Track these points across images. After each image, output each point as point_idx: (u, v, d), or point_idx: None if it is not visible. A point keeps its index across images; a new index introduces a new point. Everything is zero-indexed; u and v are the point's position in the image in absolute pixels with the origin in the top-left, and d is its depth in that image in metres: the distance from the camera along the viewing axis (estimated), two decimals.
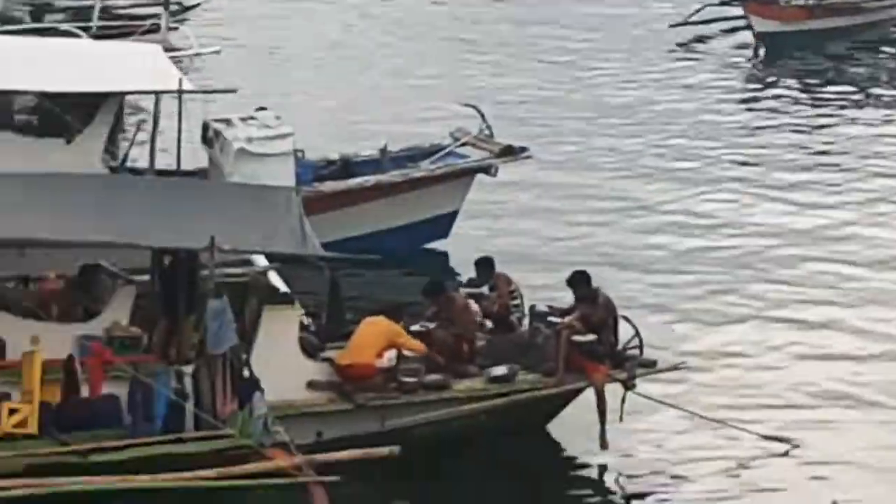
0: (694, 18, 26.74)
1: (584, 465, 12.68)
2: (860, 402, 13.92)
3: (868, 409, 13.76)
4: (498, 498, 12.10)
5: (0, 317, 12.14)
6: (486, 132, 17.39)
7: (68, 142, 16.85)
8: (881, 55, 26.33)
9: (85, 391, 11.78)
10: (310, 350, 12.69)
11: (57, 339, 11.92)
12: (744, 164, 20.96)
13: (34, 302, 12.82)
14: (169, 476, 11.37)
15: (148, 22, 25.05)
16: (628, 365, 12.62)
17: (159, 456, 11.47)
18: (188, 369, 11.90)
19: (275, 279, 13.43)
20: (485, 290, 13.78)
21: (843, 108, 23.06)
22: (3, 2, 23.70)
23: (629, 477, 12.29)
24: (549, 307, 13.26)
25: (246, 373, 11.78)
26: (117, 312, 12.38)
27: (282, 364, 12.32)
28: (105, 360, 11.83)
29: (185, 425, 11.72)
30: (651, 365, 13.13)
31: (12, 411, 11.51)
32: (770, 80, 24.72)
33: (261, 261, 13.41)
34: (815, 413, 13.55)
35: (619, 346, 12.88)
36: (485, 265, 14.09)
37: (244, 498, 11.78)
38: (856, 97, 23.89)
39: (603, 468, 12.46)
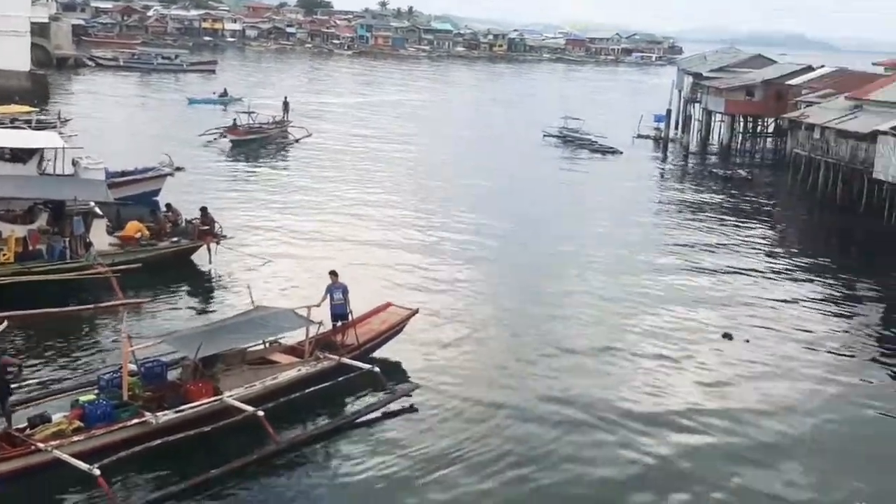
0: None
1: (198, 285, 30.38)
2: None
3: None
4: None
5: None
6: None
7: (24, 164, 32.33)
8: None
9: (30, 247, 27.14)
10: (109, 232, 29.07)
11: (19, 231, 27.13)
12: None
13: (10, 217, 28.00)
14: (65, 275, 26.91)
15: (55, 123, 43.05)
16: (219, 236, 30.20)
17: (61, 270, 26.63)
18: (67, 240, 27.83)
19: (97, 209, 29.32)
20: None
21: None
22: None
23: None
24: (194, 219, 30.39)
25: (88, 240, 27.39)
26: (41, 221, 27.70)
27: (100, 238, 28.27)
28: (36, 238, 27.07)
29: (66, 257, 27.24)
30: (227, 237, 30.40)
31: (5, 254, 26.74)
32: None
33: (92, 203, 29.26)
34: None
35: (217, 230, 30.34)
36: (169, 207, 31.09)
37: (83, 282, 27.30)
38: None
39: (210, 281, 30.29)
